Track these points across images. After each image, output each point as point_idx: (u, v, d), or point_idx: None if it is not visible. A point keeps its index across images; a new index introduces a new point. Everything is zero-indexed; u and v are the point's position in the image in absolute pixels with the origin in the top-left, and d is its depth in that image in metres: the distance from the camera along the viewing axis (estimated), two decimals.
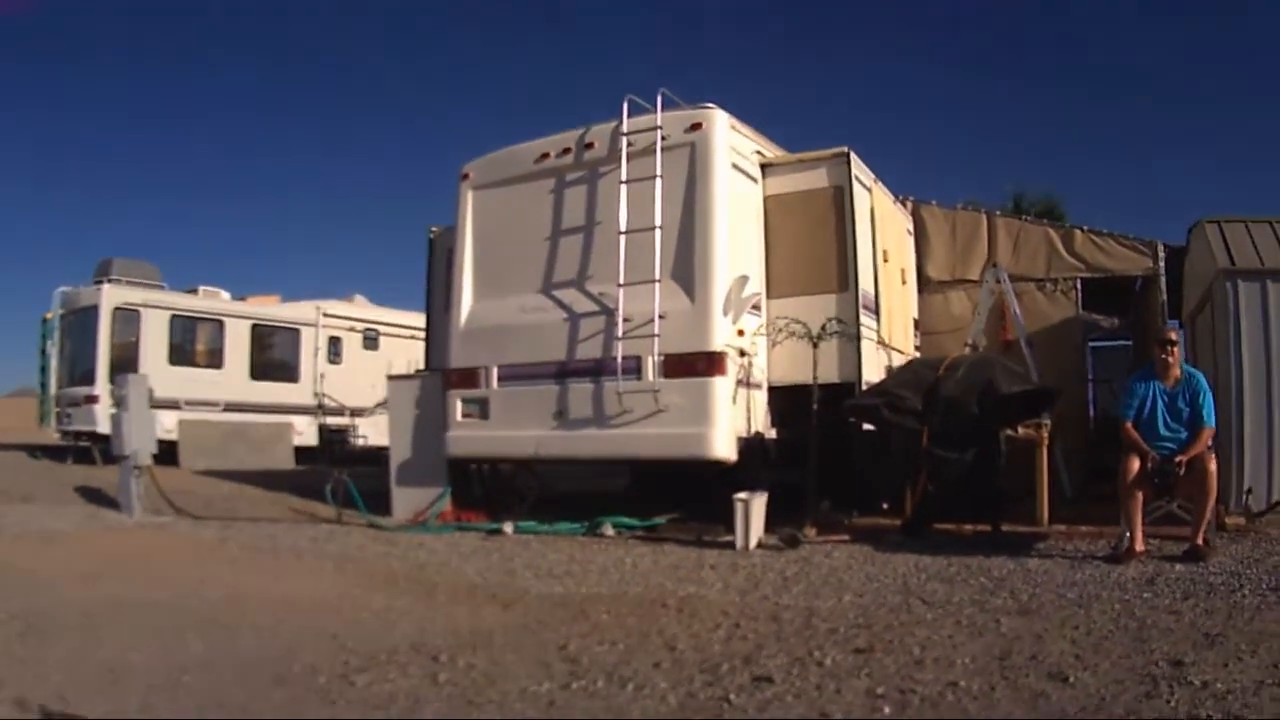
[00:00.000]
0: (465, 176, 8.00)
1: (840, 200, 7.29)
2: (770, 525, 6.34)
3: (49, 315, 14.10)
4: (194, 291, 14.93)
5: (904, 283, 9.02)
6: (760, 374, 7.22)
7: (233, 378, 14.47)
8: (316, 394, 15.44)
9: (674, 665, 3.30)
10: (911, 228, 9.71)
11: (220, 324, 14.58)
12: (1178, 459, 5.27)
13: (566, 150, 7.44)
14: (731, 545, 6.15)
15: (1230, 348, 6.69)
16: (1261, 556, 5.23)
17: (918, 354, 8.92)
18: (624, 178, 7.01)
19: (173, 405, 12.95)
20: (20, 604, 4.42)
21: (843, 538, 6.30)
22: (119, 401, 8.80)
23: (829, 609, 4.20)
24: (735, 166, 7.09)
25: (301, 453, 14.71)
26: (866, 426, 7.24)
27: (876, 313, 7.73)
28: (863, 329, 7.24)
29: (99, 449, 12.37)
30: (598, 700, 2.96)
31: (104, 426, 11.69)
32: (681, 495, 7.68)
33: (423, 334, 10.48)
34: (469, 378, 7.65)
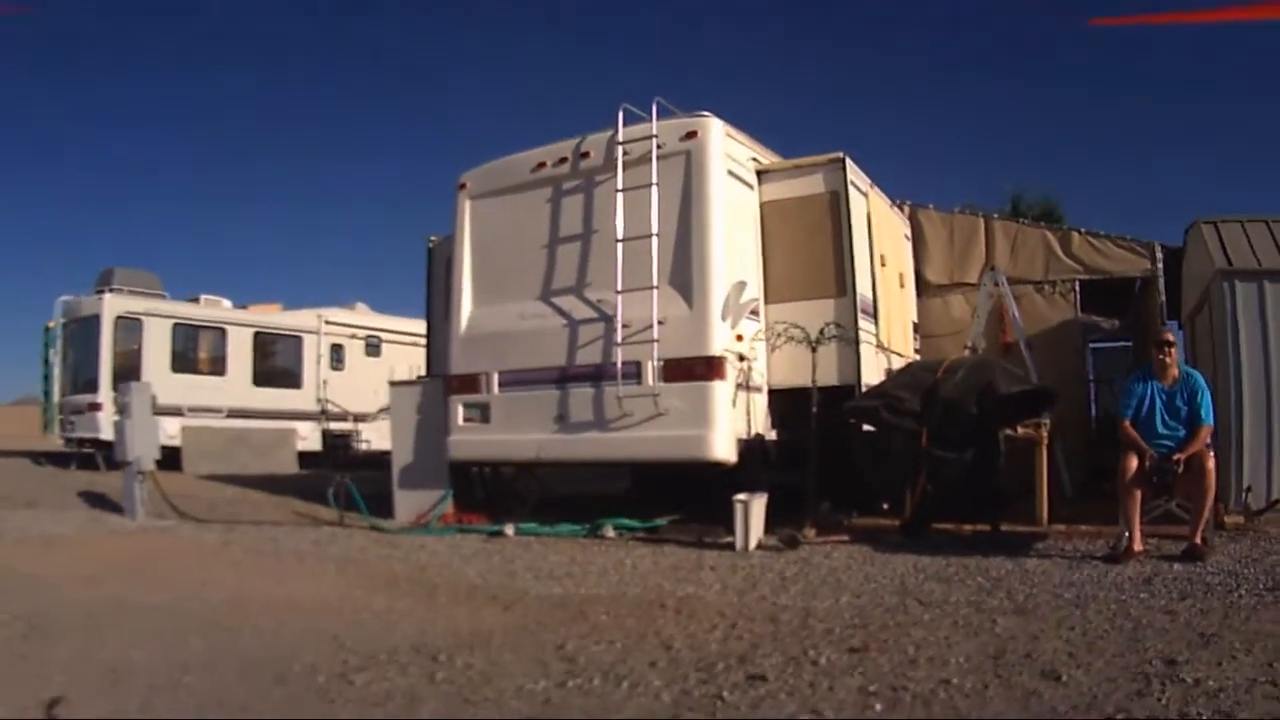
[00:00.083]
0: (462, 186, 8.05)
1: (836, 205, 7.32)
2: (770, 526, 6.37)
3: (51, 324, 14.23)
4: (196, 300, 15.09)
5: (902, 286, 9.05)
6: (760, 377, 7.25)
7: (235, 384, 14.60)
8: (319, 400, 15.56)
9: (670, 664, 3.33)
10: (909, 232, 9.75)
11: (222, 332, 14.72)
12: (1176, 457, 5.30)
13: (563, 159, 7.48)
14: (731, 546, 6.17)
15: (1228, 348, 6.72)
16: (1260, 556, 5.24)
17: (918, 357, 8.95)
18: (620, 186, 7.06)
19: (176, 412, 13.02)
20: (23, 605, 4.47)
21: (842, 538, 6.32)
22: (122, 408, 8.86)
23: (826, 609, 4.22)
24: (731, 173, 7.13)
25: (305, 457, 14.84)
26: (866, 428, 7.27)
27: (875, 317, 7.76)
28: (861, 333, 7.27)
29: (103, 455, 12.45)
30: (593, 698, 2.98)
31: (107, 433, 11.80)
32: (682, 497, 7.71)
33: (424, 340, 10.54)
34: (470, 383, 7.70)
